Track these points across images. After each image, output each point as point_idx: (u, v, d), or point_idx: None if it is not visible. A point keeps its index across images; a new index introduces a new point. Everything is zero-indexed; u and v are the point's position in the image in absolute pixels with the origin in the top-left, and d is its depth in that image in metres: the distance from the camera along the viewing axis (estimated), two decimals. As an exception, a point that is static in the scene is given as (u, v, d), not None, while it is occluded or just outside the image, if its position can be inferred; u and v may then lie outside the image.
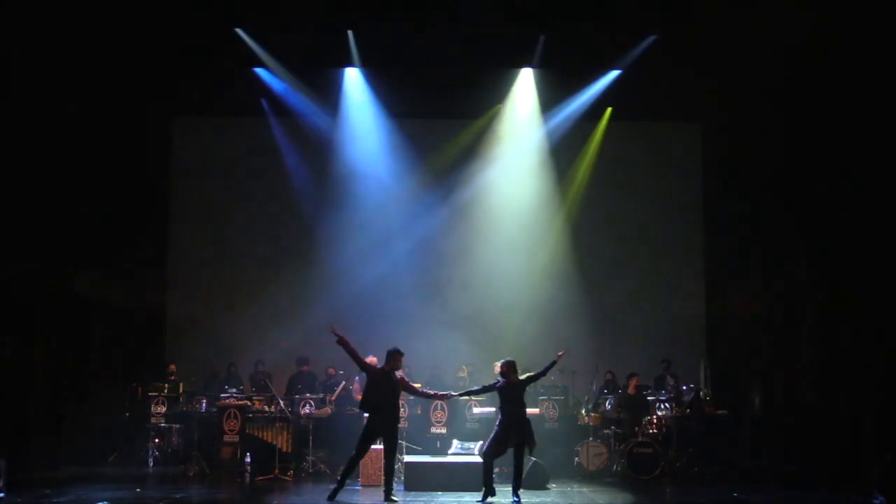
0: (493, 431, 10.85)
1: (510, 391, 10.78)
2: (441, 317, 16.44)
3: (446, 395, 11.98)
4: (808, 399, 14.12)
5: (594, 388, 14.36)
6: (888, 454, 10.58)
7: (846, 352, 13.35)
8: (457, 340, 15.86)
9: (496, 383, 10.94)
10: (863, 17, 11.90)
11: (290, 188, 16.96)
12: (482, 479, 10.79)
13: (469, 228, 16.96)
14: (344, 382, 14.33)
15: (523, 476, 12.17)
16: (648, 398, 14.12)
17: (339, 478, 10.83)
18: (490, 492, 10.69)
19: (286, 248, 16.81)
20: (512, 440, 10.67)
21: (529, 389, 13.95)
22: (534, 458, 12.28)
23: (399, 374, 11.13)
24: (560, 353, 11.21)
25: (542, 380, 12.09)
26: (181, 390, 14.76)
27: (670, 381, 14.66)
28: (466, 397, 13.01)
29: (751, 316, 15.91)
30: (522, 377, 11.03)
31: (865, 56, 11.82)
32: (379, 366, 11.25)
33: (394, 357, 10.96)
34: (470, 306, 16.67)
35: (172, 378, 15.14)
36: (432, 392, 12.06)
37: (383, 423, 10.73)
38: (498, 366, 10.96)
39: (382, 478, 10.88)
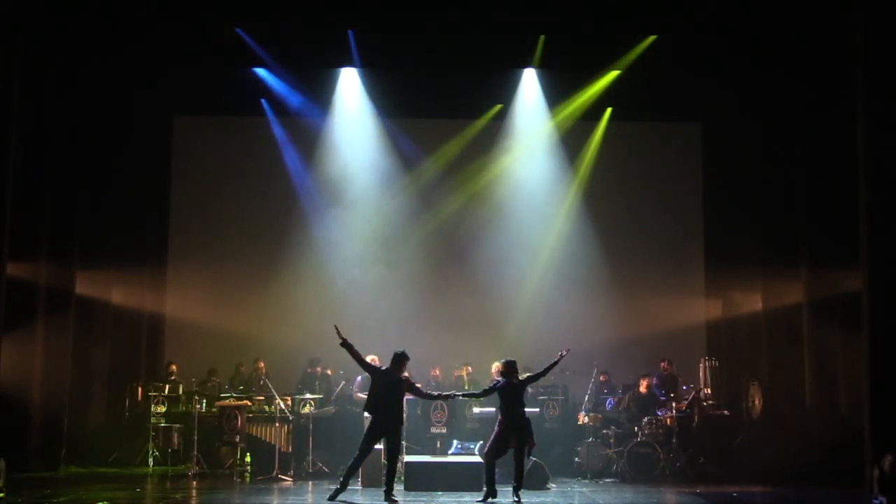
0: (494, 432, 10.85)
1: (510, 391, 10.78)
2: (441, 316, 16.44)
3: (450, 395, 12.00)
4: (807, 399, 14.10)
5: (591, 388, 14.35)
6: (888, 454, 10.58)
7: (846, 351, 13.33)
8: (457, 340, 15.87)
9: (496, 384, 10.94)
10: (863, 15, 11.89)
11: (290, 188, 16.97)
12: (484, 479, 10.79)
13: (469, 229, 16.98)
14: (344, 382, 14.34)
15: (523, 476, 12.21)
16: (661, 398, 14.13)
17: (341, 478, 10.81)
18: (491, 493, 10.69)
19: (286, 248, 16.78)
20: (512, 441, 10.68)
21: (529, 389, 14.02)
22: (534, 459, 12.29)
23: (404, 374, 11.14)
24: (562, 353, 11.17)
25: (542, 380, 12.10)
26: (181, 391, 14.75)
27: (655, 380, 14.66)
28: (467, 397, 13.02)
29: (751, 316, 15.89)
30: (522, 377, 11.03)
31: (865, 54, 11.80)
32: (383, 367, 11.25)
33: (400, 361, 10.94)
34: (470, 306, 16.67)
35: (172, 378, 15.14)
36: (436, 393, 12.05)
37: (387, 424, 10.72)
38: (498, 366, 10.97)
39: (383, 478, 10.88)
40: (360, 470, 11.99)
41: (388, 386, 10.81)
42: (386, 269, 16.64)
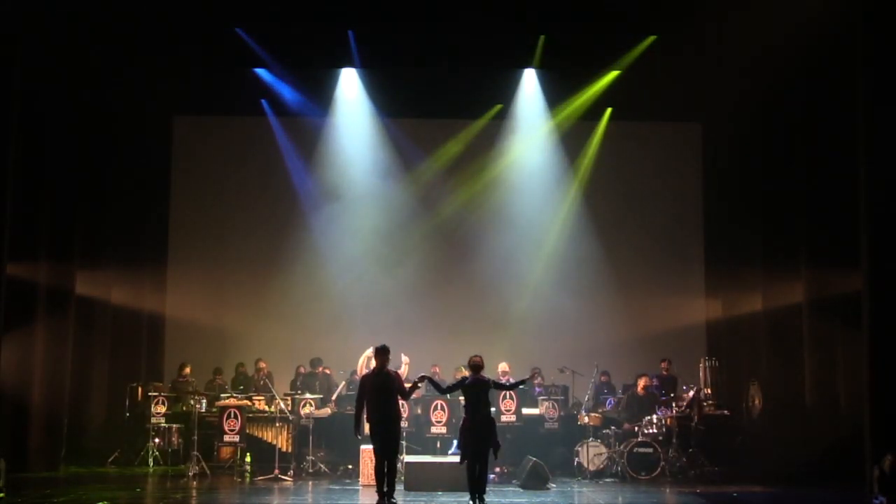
0: (460, 436, 10.65)
1: (475, 389, 10.53)
2: (442, 316, 16.49)
3: (420, 378, 11.18)
4: (807, 399, 14.10)
5: (591, 388, 14.37)
6: (888, 454, 10.58)
7: (846, 351, 13.32)
8: (457, 340, 15.85)
9: (464, 380, 10.80)
10: (863, 14, 11.89)
11: (290, 188, 16.98)
12: (468, 484, 10.63)
13: (470, 229, 16.97)
14: (344, 382, 14.34)
15: (524, 476, 12.22)
16: (661, 397, 14.13)
17: (377, 492, 10.66)
18: (472, 497, 10.55)
19: (286, 248, 16.78)
20: (477, 441, 10.40)
21: (530, 390, 14.03)
22: (534, 459, 12.30)
23: (399, 370, 11.08)
24: (532, 374, 12.09)
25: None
26: (193, 389, 14.62)
27: (655, 381, 14.66)
28: (449, 393, 12.81)
29: (751, 316, 15.89)
30: (491, 378, 10.94)
31: (866, 54, 11.81)
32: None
33: (380, 354, 10.77)
34: (471, 306, 16.69)
35: (184, 380, 15.08)
36: (408, 385, 11.24)
37: (382, 423, 10.66)
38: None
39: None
40: (360, 469, 12.31)
41: (376, 385, 10.68)
42: (386, 268, 16.63)
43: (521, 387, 11.68)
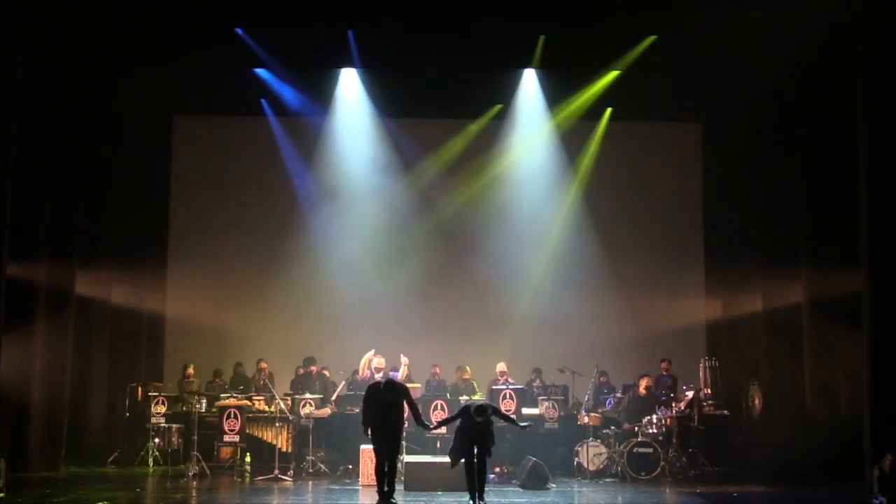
0: (456, 438, 10.66)
1: (480, 413, 10.52)
2: (442, 316, 16.47)
3: (422, 425, 11.27)
4: (807, 399, 14.11)
5: (591, 388, 14.38)
6: (888, 454, 10.58)
7: (846, 351, 13.33)
8: (458, 340, 15.88)
9: (468, 406, 10.69)
10: (863, 14, 11.90)
11: (290, 188, 16.97)
12: (467, 484, 10.63)
13: (470, 229, 16.95)
14: (344, 382, 14.34)
15: (524, 476, 12.22)
16: (661, 398, 14.14)
17: (377, 492, 10.65)
18: (472, 497, 10.55)
19: (286, 248, 16.76)
20: (475, 442, 10.42)
21: (529, 390, 14.03)
22: (534, 459, 12.30)
23: (399, 372, 11.08)
24: (525, 425, 11.58)
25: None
26: (198, 389, 14.62)
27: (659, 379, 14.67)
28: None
29: (751, 316, 15.90)
30: (493, 407, 10.93)
31: (865, 54, 11.82)
32: (379, 367, 11.18)
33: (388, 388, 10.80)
34: (471, 306, 16.67)
35: (188, 380, 15.06)
36: (416, 417, 11.19)
37: (384, 428, 10.65)
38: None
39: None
40: (360, 469, 12.32)
41: (384, 401, 10.65)
42: (386, 268, 16.59)
43: (519, 426, 11.57)
